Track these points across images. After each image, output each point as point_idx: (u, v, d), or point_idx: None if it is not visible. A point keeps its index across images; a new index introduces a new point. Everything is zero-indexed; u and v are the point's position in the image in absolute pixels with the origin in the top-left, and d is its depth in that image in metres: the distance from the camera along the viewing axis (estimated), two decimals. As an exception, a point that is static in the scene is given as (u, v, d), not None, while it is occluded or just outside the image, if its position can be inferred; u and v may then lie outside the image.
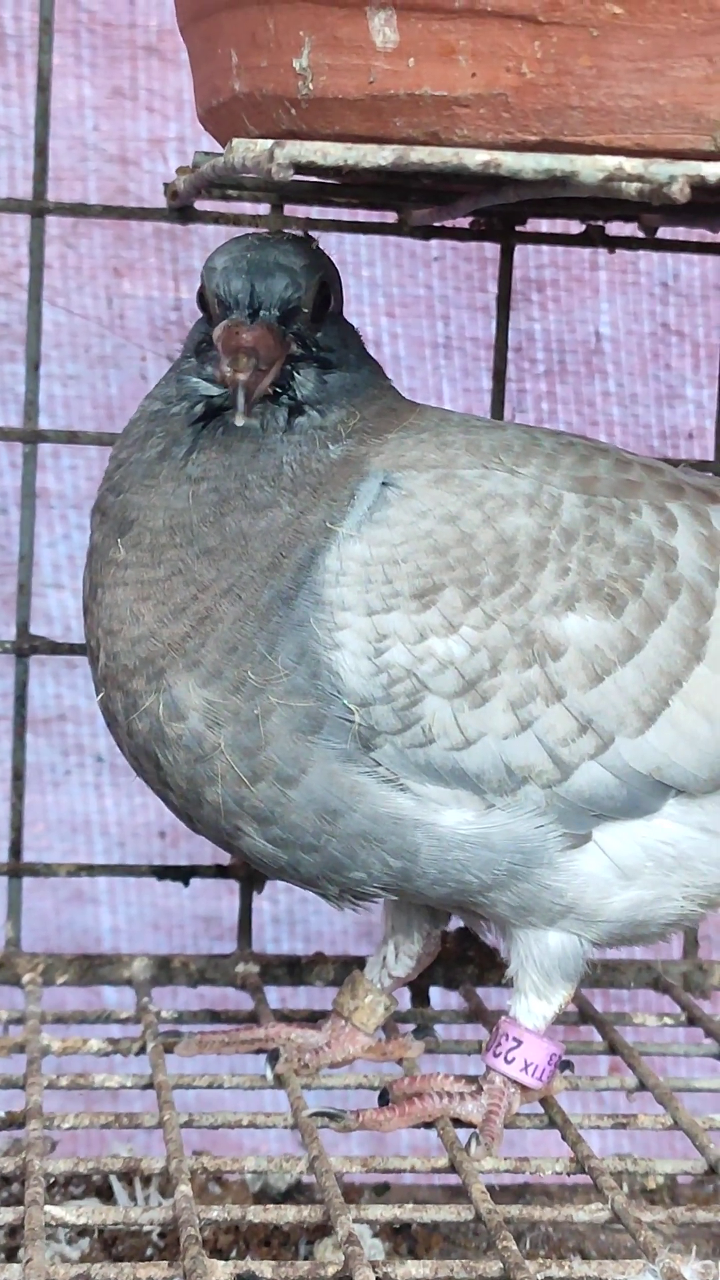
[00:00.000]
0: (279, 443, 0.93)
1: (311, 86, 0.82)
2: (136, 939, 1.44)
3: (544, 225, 1.25)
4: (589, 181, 0.74)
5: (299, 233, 1.00)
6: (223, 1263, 0.82)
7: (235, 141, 0.81)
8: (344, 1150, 1.41)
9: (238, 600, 0.92)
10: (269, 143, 0.77)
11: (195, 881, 1.24)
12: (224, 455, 0.94)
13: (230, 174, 0.82)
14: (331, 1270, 0.83)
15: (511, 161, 0.75)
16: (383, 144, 0.79)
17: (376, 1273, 0.82)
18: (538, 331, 1.44)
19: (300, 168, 0.77)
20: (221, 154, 0.85)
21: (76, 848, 1.43)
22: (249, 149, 0.78)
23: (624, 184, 0.74)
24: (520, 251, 1.43)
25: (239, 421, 0.91)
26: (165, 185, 1.08)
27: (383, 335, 1.42)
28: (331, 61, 0.81)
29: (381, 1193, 1.18)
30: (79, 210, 1.17)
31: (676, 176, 0.74)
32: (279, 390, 0.93)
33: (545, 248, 1.41)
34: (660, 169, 0.74)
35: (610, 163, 0.74)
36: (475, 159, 0.75)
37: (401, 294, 1.43)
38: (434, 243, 1.41)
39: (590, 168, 0.74)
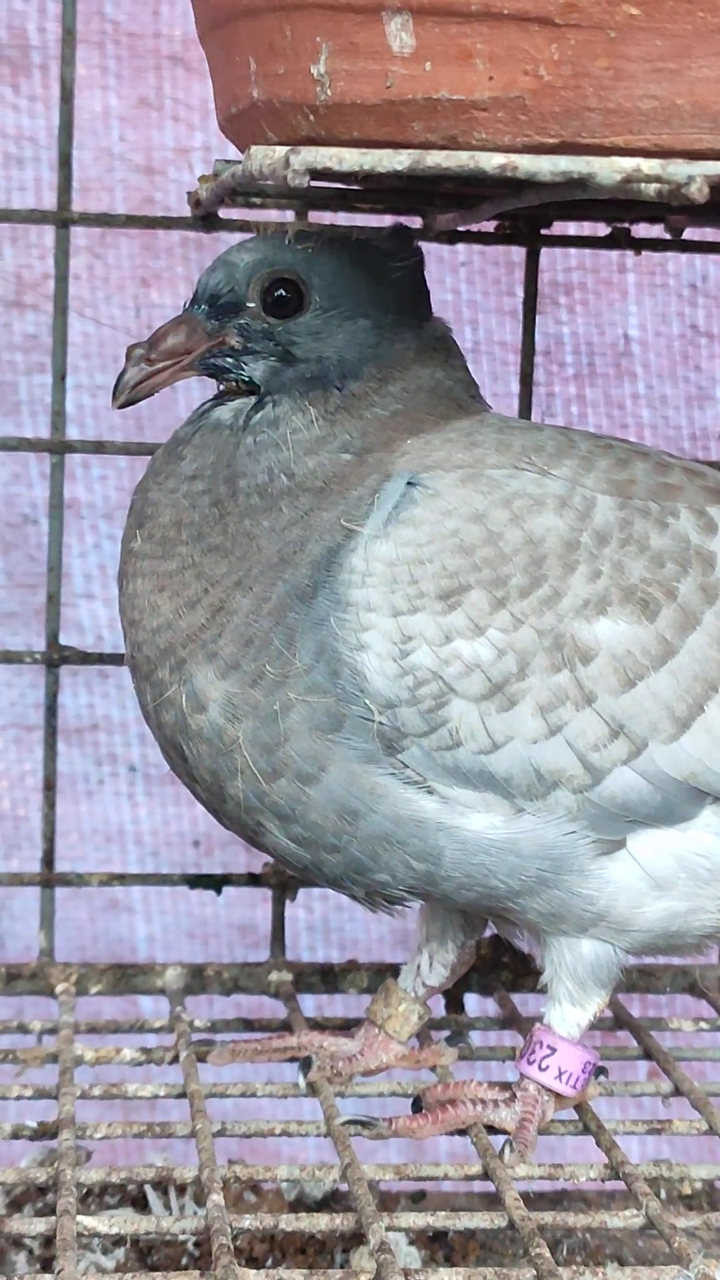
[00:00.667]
0: (252, 444, 0.95)
1: (329, 92, 0.82)
2: (172, 948, 1.44)
3: (571, 228, 1.25)
4: (606, 183, 0.74)
5: (313, 229, 0.99)
6: (254, 1272, 0.82)
7: (254, 149, 0.81)
8: (382, 1158, 1.42)
9: (249, 593, 0.92)
10: (285, 149, 0.77)
11: (230, 890, 1.24)
12: (210, 453, 0.96)
13: (250, 181, 0.82)
14: (364, 1278, 0.83)
15: (528, 164, 0.74)
16: (401, 148, 0.79)
17: (408, 1281, 0.82)
18: (566, 335, 1.44)
19: (317, 174, 0.77)
20: (241, 161, 0.85)
21: (110, 857, 1.43)
22: (267, 156, 0.78)
23: (642, 185, 0.74)
24: (548, 255, 1.42)
25: (113, 406, 0.95)
26: (189, 194, 1.08)
27: (411, 341, 1.42)
28: (349, 67, 0.81)
29: (418, 1200, 1.17)
30: (103, 221, 1.17)
31: (695, 177, 0.73)
32: (236, 381, 0.97)
33: (573, 251, 1.41)
34: (678, 169, 0.73)
35: (628, 164, 0.74)
36: (492, 162, 0.74)
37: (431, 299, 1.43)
38: (461, 248, 1.41)
39: (607, 169, 0.74)
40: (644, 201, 0.77)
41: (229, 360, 0.97)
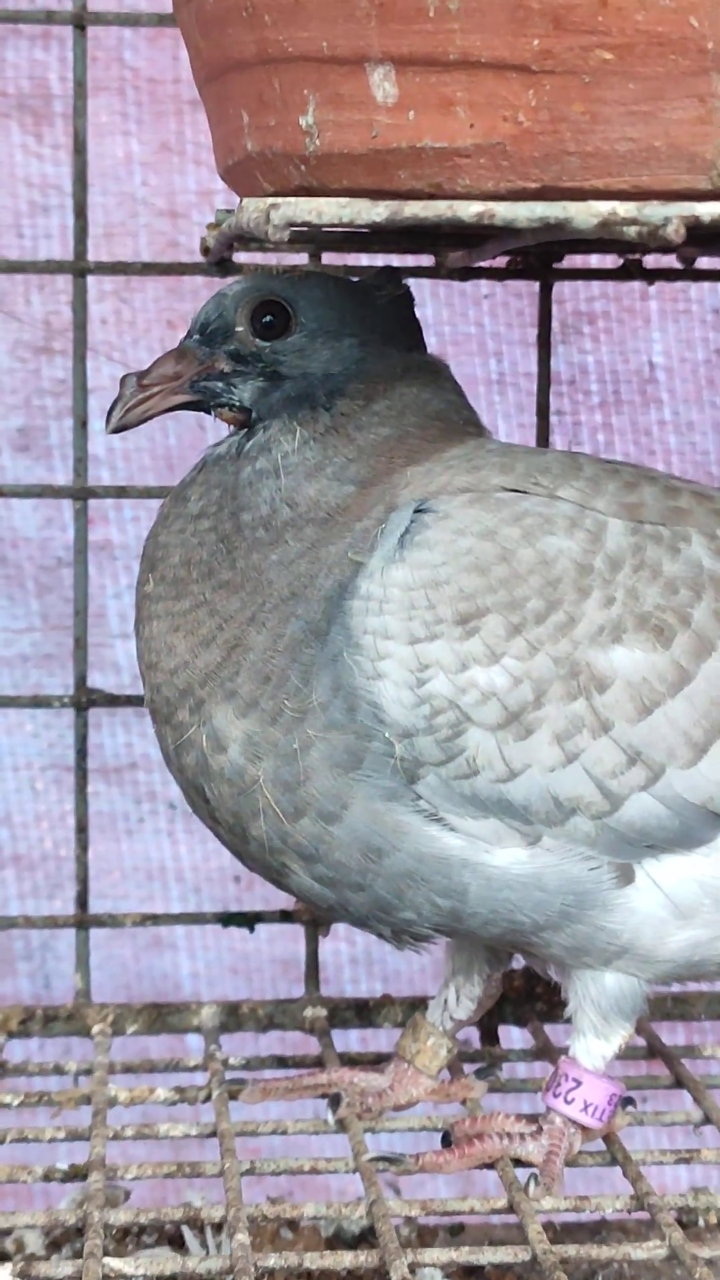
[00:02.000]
0: (250, 473, 0.96)
1: (318, 143, 0.83)
2: (215, 984, 1.45)
3: (585, 260, 1.25)
4: (584, 227, 0.75)
5: (310, 266, 1.04)
6: (277, 1311, 0.83)
7: (245, 202, 0.82)
8: (430, 1190, 1.43)
9: (263, 629, 0.93)
10: (267, 203, 0.78)
11: (271, 926, 1.25)
12: (214, 490, 0.97)
13: (243, 232, 0.83)
14: (386, 1315, 0.83)
15: (505, 211, 0.75)
16: (388, 197, 0.80)
17: (431, 1317, 0.83)
18: (591, 363, 1.44)
19: (299, 225, 0.78)
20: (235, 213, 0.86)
21: (152, 894, 1.44)
22: (255, 209, 0.79)
23: (621, 227, 0.74)
24: (570, 285, 1.43)
25: (106, 430, 0.98)
26: (201, 240, 1.09)
27: (436, 374, 1.43)
28: (335, 118, 0.82)
29: (456, 1233, 1.18)
30: (119, 269, 1.19)
31: (670, 218, 0.74)
32: (227, 405, 0.99)
33: (595, 281, 1.42)
34: (654, 211, 0.74)
35: (604, 208, 0.75)
36: (469, 210, 0.75)
37: (453, 332, 1.44)
38: (482, 281, 1.42)
39: (584, 214, 0.75)
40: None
41: (219, 384, 0.98)
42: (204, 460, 0.99)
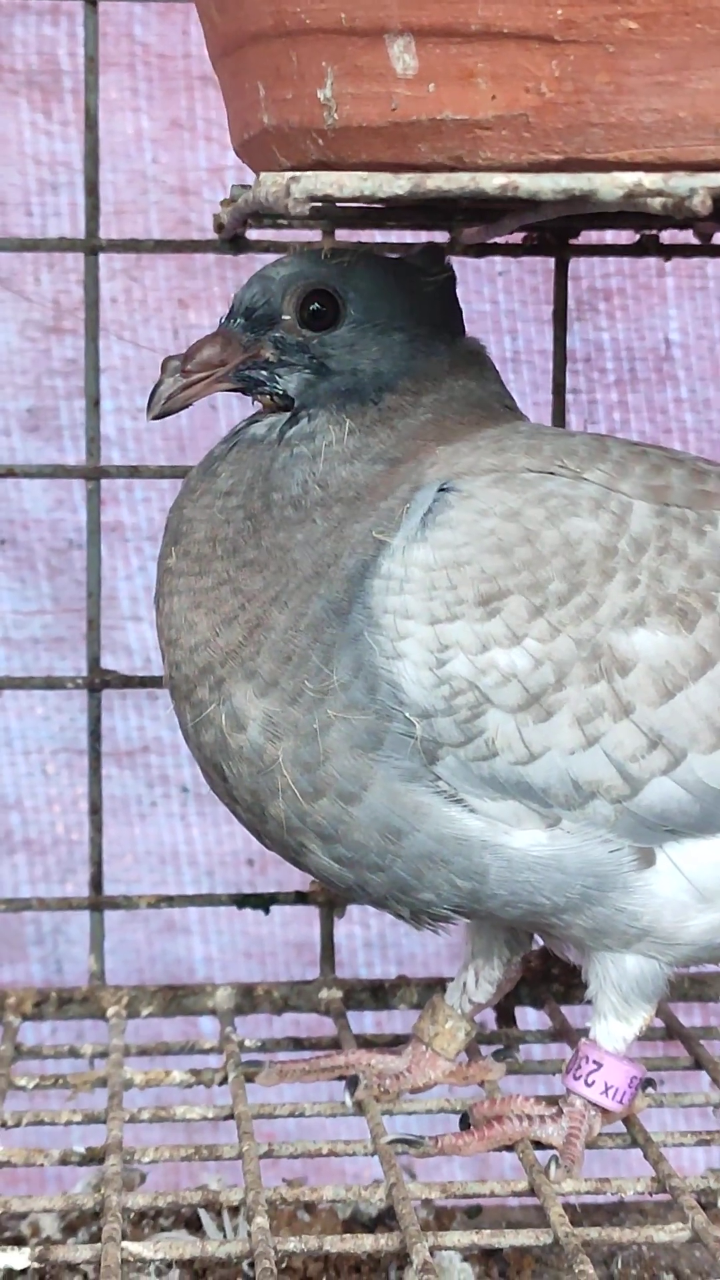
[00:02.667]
0: (288, 458, 0.95)
1: (336, 116, 0.82)
2: (230, 968, 1.44)
3: (601, 236, 1.25)
4: (609, 199, 0.74)
5: (347, 245, 1.01)
6: (297, 1295, 0.82)
7: (262, 176, 0.81)
8: (446, 1173, 1.42)
9: (285, 608, 0.92)
10: (286, 177, 0.77)
11: (285, 908, 1.24)
12: (246, 469, 0.96)
13: (261, 207, 0.82)
14: (407, 1299, 0.83)
15: (529, 183, 0.74)
16: (407, 170, 0.79)
17: (452, 1301, 0.82)
18: (607, 341, 1.43)
19: (318, 199, 0.77)
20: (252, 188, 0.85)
21: (165, 879, 1.44)
22: (274, 184, 0.78)
23: (646, 199, 0.73)
24: (586, 262, 1.42)
25: (148, 417, 0.96)
26: (214, 217, 1.08)
27: (450, 353, 1.42)
28: (354, 90, 0.81)
29: (474, 1215, 1.17)
30: (131, 246, 1.18)
31: (697, 189, 0.73)
32: (270, 394, 0.97)
33: (611, 257, 1.41)
34: (680, 182, 0.73)
35: (629, 179, 0.73)
36: (493, 183, 0.74)
37: (468, 310, 1.40)
38: (498, 258, 1.41)
39: (609, 185, 0.74)
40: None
41: (263, 373, 0.97)
42: (238, 438, 0.98)
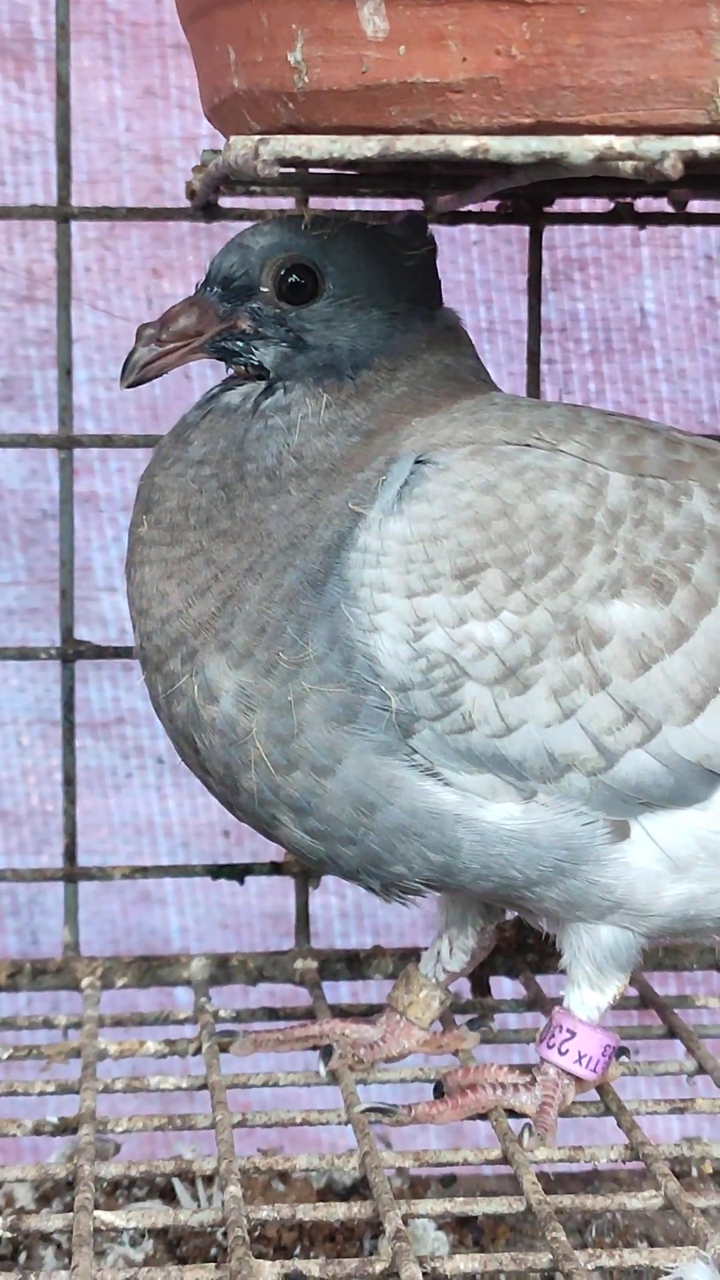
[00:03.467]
0: (262, 429, 0.94)
1: (307, 79, 0.81)
2: (205, 938, 1.44)
3: (575, 205, 1.24)
4: (579, 162, 0.73)
5: (328, 215, 0.99)
6: (270, 1263, 0.82)
7: (232, 140, 0.80)
8: (421, 1142, 1.42)
9: (260, 579, 0.92)
10: (255, 139, 0.76)
11: (261, 879, 1.24)
12: (219, 438, 0.95)
13: (231, 172, 0.82)
14: (380, 1267, 0.82)
15: (500, 146, 0.74)
16: (378, 134, 0.78)
17: (424, 1268, 0.82)
18: (582, 311, 1.43)
19: (288, 162, 0.77)
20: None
21: (140, 850, 1.43)
22: (243, 146, 0.78)
23: (617, 163, 0.73)
24: (561, 231, 1.42)
25: (121, 385, 0.95)
26: (186, 185, 1.08)
27: (425, 322, 1.42)
28: (325, 54, 0.81)
29: (448, 1184, 1.17)
30: (104, 214, 1.17)
31: (668, 152, 0.73)
32: (245, 365, 0.96)
33: (585, 226, 1.40)
34: (651, 145, 0.73)
35: (600, 142, 0.73)
36: (463, 145, 0.74)
37: (443, 279, 1.42)
38: (472, 227, 1.40)
39: (580, 148, 0.73)
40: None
41: (239, 344, 0.96)
42: (212, 406, 0.97)
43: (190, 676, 0.93)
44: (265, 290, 0.95)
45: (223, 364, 0.99)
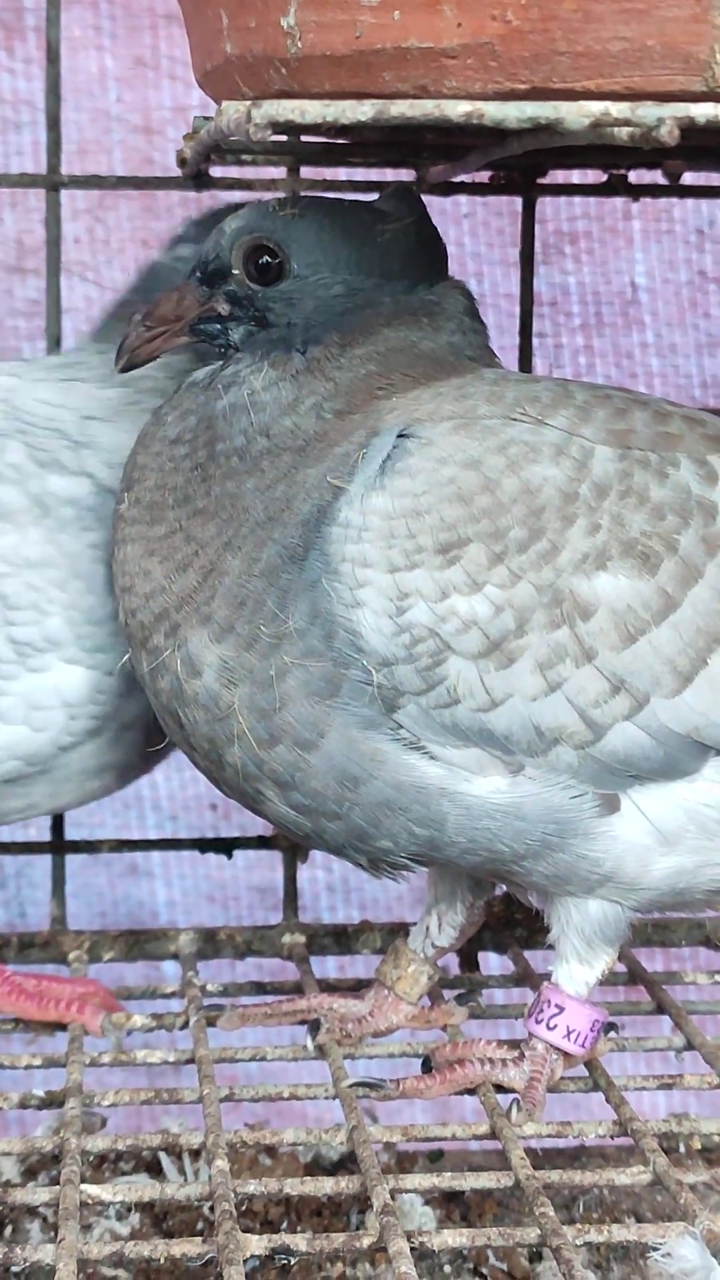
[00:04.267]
0: (226, 408, 0.95)
1: (300, 45, 0.80)
2: (192, 911, 1.44)
3: (568, 176, 1.23)
4: (575, 128, 0.73)
5: (307, 194, 0.99)
6: (256, 1237, 0.82)
7: (224, 105, 0.80)
8: (408, 1117, 1.42)
9: (239, 554, 0.91)
10: (247, 104, 0.75)
11: (249, 853, 1.24)
12: (191, 416, 0.96)
13: (224, 138, 0.81)
14: (367, 1241, 0.82)
15: (495, 111, 0.73)
16: (369, 99, 0.78)
17: (412, 1242, 0.81)
18: (572, 285, 1.43)
19: (280, 127, 0.76)
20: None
21: (128, 823, 1.43)
22: (236, 111, 0.77)
23: (613, 129, 0.72)
24: (552, 204, 1.41)
25: (115, 370, 0.98)
26: (177, 153, 1.07)
27: (416, 295, 1.41)
28: (318, 18, 0.80)
29: (436, 1159, 1.17)
30: (94, 183, 1.16)
31: (664, 119, 0.72)
32: (223, 347, 0.97)
33: (577, 199, 1.40)
34: (647, 112, 0.72)
35: (596, 108, 0.72)
36: (458, 110, 0.73)
37: (434, 253, 1.42)
38: (463, 200, 1.40)
39: (576, 114, 0.73)
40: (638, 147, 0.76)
41: (216, 326, 0.97)
42: (180, 384, 0.99)
43: (173, 651, 0.93)
44: (236, 273, 0.96)
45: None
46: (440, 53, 0.77)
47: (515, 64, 0.76)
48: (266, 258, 0.96)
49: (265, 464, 0.93)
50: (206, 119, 0.94)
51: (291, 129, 0.76)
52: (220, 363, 0.97)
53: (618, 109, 0.73)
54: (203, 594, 0.92)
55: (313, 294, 0.96)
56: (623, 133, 0.73)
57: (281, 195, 1.02)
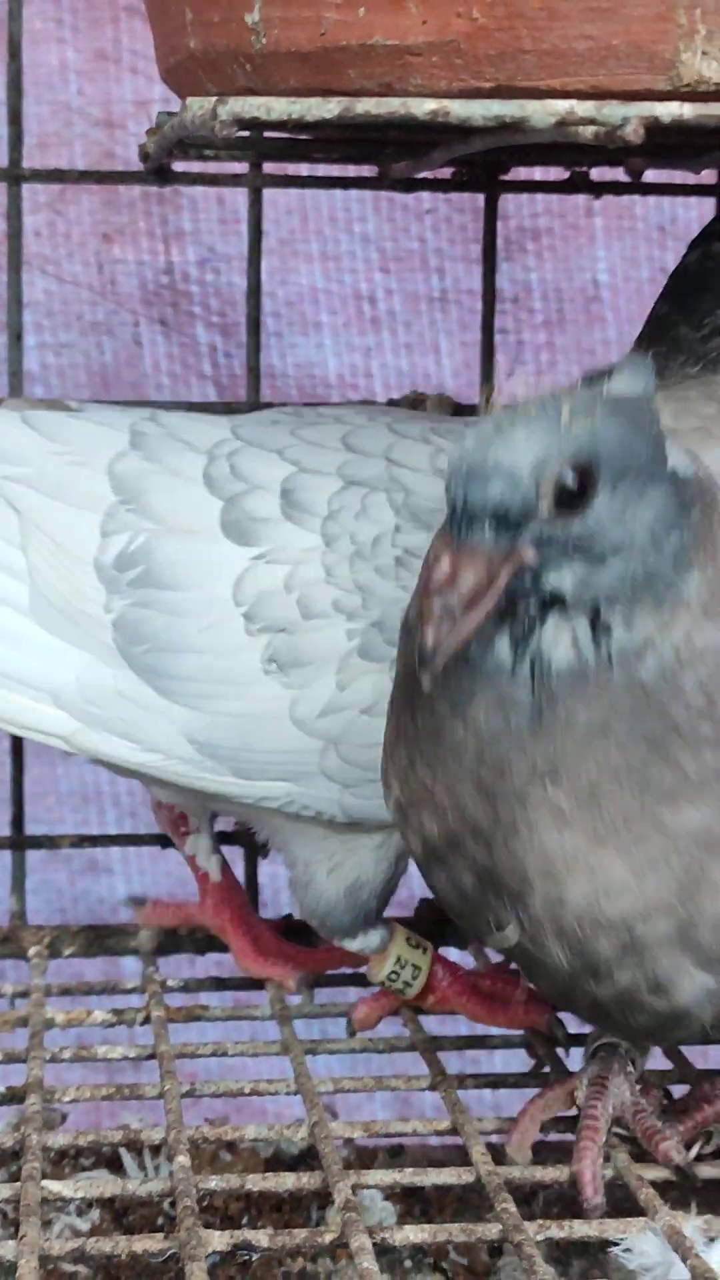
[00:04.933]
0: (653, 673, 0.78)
1: (264, 41, 0.80)
2: (152, 908, 1.44)
3: (531, 173, 1.23)
4: (540, 126, 0.73)
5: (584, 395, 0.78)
6: (219, 1233, 0.82)
7: (189, 101, 0.79)
8: (368, 1114, 1.42)
9: None
10: (213, 100, 0.75)
11: (209, 849, 1.23)
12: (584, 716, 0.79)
13: (186, 133, 0.81)
14: (329, 1237, 0.82)
15: (460, 109, 0.73)
16: (335, 96, 0.78)
17: (374, 1238, 0.82)
18: (535, 281, 1.43)
19: (245, 124, 0.76)
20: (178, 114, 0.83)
21: (88, 819, 1.43)
22: (200, 107, 0.77)
23: (578, 128, 0.73)
24: (515, 201, 1.41)
25: (429, 678, 0.75)
26: (139, 148, 1.07)
27: (377, 290, 1.41)
28: (283, 14, 0.80)
29: (396, 1155, 1.17)
30: (55, 176, 1.16)
31: (630, 118, 0.72)
32: (535, 604, 0.77)
33: (539, 196, 1.40)
34: (612, 111, 0.72)
35: (561, 106, 0.73)
36: (423, 108, 0.73)
37: (395, 248, 1.42)
38: (425, 196, 1.40)
39: (541, 112, 0.73)
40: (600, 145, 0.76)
41: (526, 581, 0.77)
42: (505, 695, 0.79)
43: (634, 971, 0.81)
44: (544, 513, 0.76)
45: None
46: (405, 50, 0.77)
47: (480, 62, 0.76)
48: (574, 482, 0.76)
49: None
50: (170, 114, 0.93)
51: (256, 125, 0.76)
52: (574, 629, 0.78)
53: (583, 108, 0.73)
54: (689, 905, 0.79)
55: (640, 499, 0.77)
56: (588, 131, 0.73)
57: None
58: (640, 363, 0.80)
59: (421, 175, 1.13)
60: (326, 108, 0.75)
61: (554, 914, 0.79)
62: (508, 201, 1.39)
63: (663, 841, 0.78)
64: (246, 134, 1.08)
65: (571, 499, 0.76)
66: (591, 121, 0.73)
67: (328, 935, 1.04)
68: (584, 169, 1.16)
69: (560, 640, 0.77)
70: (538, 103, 0.73)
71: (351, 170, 1.15)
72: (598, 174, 1.17)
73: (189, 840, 1.10)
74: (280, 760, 0.97)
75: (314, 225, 1.41)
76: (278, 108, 0.75)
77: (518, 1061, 1.08)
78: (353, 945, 1.03)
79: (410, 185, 1.15)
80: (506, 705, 0.78)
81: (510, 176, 1.17)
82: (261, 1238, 0.82)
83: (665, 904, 0.78)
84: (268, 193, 1.19)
